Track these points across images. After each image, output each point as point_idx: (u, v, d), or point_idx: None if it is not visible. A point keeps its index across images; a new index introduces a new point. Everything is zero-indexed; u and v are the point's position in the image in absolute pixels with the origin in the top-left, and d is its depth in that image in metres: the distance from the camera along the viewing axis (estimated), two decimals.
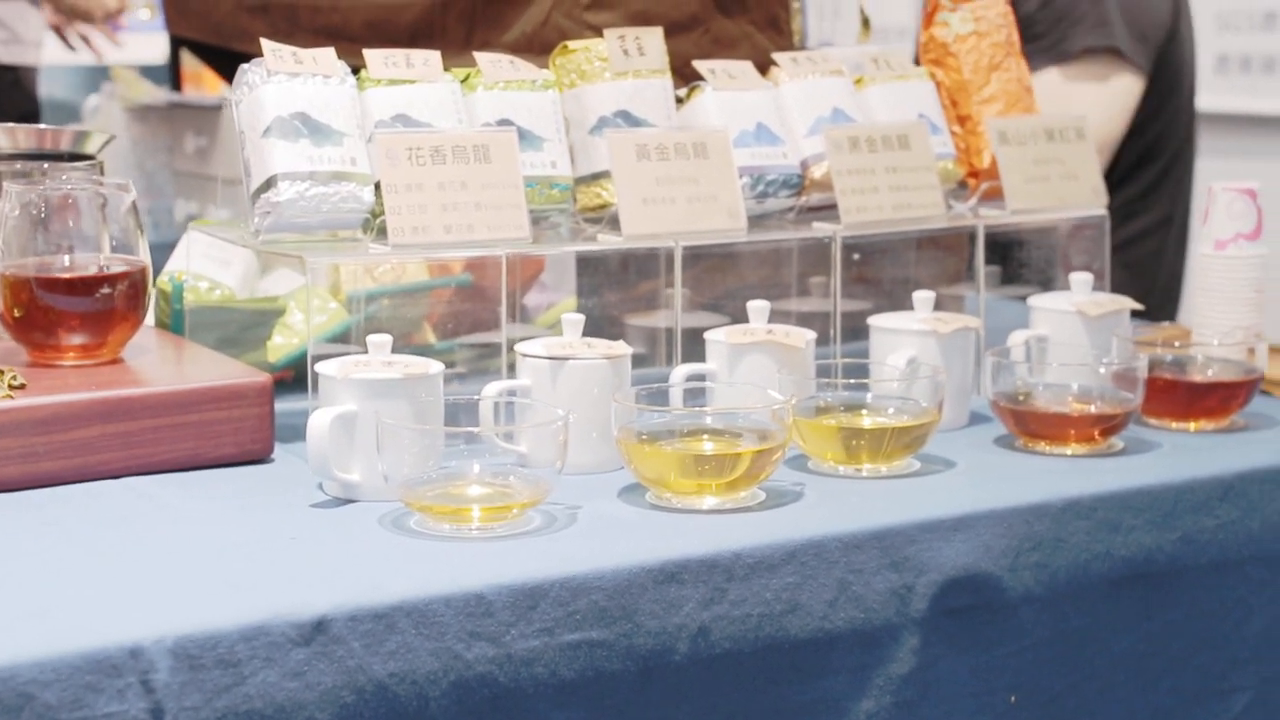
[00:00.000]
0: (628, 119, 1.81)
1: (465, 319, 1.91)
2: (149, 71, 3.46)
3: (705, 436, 1.52)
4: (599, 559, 1.33)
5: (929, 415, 1.61)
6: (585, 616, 1.30)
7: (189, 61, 3.07)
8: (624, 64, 1.82)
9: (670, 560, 1.35)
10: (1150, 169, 2.92)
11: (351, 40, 2.06)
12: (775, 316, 1.75)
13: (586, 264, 1.99)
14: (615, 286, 1.99)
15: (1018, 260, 2.15)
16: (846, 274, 1.90)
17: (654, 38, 1.85)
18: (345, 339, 1.79)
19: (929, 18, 2.09)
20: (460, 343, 1.87)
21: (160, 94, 2.95)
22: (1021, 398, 1.71)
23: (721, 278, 1.97)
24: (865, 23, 2.28)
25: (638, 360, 1.71)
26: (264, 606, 1.21)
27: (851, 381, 1.66)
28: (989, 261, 2.07)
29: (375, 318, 1.82)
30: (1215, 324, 2.03)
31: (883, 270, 2.00)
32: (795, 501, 1.51)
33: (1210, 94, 3.90)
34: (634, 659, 1.33)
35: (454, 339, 1.88)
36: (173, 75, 2.95)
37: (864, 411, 1.64)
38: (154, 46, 3.74)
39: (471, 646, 1.26)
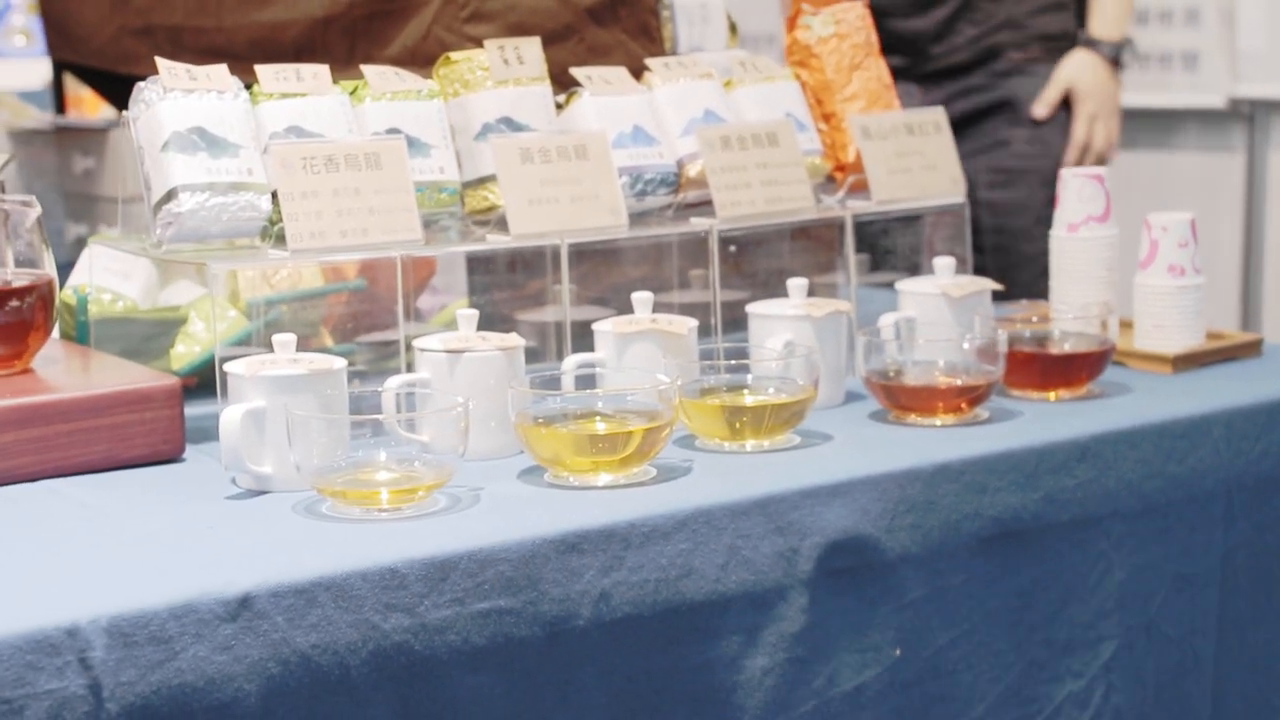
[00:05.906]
0: (510, 125, 1.90)
1: (362, 322, 1.98)
2: (32, 96, 3.48)
3: (597, 418, 1.62)
4: (504, 533, 1.42)
5: (806, 392, 1.71)
6: (493, 586, 1.39)
7: (71, 85, 3.11)
8: (505, 73, 1.91)
9: (570, 532, 1.44)
10: None
11: (236, 58, 2.11)
12: (658, 308, 1.84)
13: (476, 266, 2.07)
14: (504, 285, 2.08)
15: (884, 248, 2.27)
16: (724, 266, 2.00)
17: (533, 47, 1.94)
18: (246, 344, 1.85)
19: (791, 22, 2.20)
20: (357, 343, 1.94)
21: (45, 117, 2.99)
22: (892, 374, 1.83)
23: (606, 273, 2.06)
24: (733, 28, 2.38)
25: (529, 354, 1.79)
26: (191, 586, 1.28)
27: (733, 363, 1.76)
28: (858, 250, 2.18)
29: (274, 324, 1.88)
30: (1072, 301, 2.16)
31: (757, 261, 2.10)
32: (684, 476, 1.61)
33: None
34: (540, 624, 1.42)
35: (351, 341, 1.95)
36: (56, 99, 2.99)
37: (745, 391, 1.74)
38: (33, 72, 3.77)
39: (388, 618, 1.34)
